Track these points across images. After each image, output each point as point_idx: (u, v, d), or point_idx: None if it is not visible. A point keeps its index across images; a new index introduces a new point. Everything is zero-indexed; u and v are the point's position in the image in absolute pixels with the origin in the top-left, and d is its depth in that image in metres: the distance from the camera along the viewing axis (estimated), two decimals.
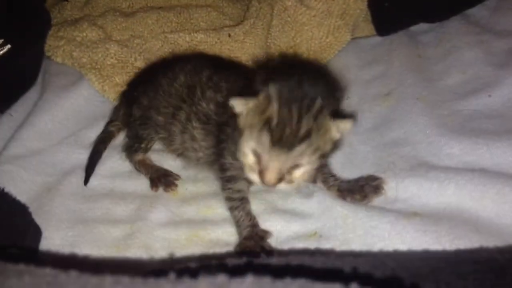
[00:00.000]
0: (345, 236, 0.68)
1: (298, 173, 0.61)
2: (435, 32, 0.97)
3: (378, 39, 1.01)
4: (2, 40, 0.90)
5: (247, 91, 0.62)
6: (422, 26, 1.00)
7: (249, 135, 0.60)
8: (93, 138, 0.87)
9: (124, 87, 0.90)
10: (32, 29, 0.95)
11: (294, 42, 0.96)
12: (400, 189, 0.71)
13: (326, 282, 0.30)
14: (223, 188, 0.74)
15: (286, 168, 0.60)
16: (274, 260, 0.45)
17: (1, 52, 0.90)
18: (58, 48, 0.97)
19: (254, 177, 0.62)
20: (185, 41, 0.99)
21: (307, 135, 0.58)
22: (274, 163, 0.60)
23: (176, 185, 0.79)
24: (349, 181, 0.74)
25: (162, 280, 0.31)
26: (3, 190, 0.72)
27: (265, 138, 0.59)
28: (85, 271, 0.34)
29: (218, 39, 1.00)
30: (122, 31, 1.01)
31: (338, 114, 0.61)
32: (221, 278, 0.30)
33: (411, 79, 0.88)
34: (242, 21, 1.07)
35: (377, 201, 0.72)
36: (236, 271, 0.31)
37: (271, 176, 0.60)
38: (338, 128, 0.61)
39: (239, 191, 0.73)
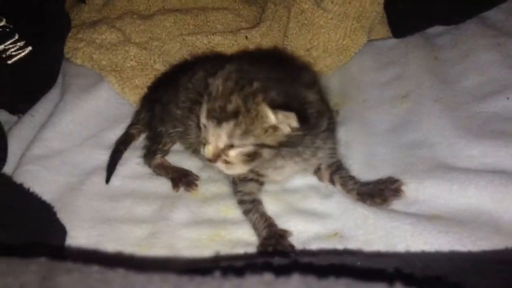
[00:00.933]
0: (366, 237, 0.68)
1: (232, 154, 0.63)
2: (451, 34, 0.98)
3: (394, 41, 1.02)
4: (24, 42, 0.92)
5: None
6: (438, 28, 1.00)
7: (201, 110, 0.64)
8: (113, 140, 0.88)
9: (144, 89, 0.91)
10: (52, 31, 0.96)
11: (311, 44, 0.97)
12: (420, 190, 0.72)
13: (370, 282, 0.30)
14: (234, 192, 0.76)
15: (222, 145, 0.63)
16: (311, 260, 0.46)
17: (23, 54, 0.92)
18: (78, 50, 0.98)
19: (202, 150, 0.66)
20: (202, 43, 1.00)
21: (234, 114, 0.61)
22: (210, 137, 0.63)
23: (196, 185, 0.80)
24: (368, 184, 0.74)
25: (208, 278, 0.31)
26: (28, 189, 0.74)
27: (204, 110, 0.63)
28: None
29: (235, 41, 1.01)
30: (140, 33, 1.02)
31: (283, 106, 0.60)
32: (268, 277, 0.31)
33: (428, 81, 0.89)
34: (258, 23, 1.08)
35: (397, 202, 0.73)
36: (281, 270, 0.31)
37: (209, 149, 0.63)
38: (279, 119, 0.61)
39: (249, 193, 0.74)
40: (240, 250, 0.71)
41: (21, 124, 0.90)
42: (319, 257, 0.47)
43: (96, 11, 1.11)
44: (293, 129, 0.62)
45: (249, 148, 0.63)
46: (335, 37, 0.97)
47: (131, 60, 0.95)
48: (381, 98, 0.91)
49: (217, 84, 0.63)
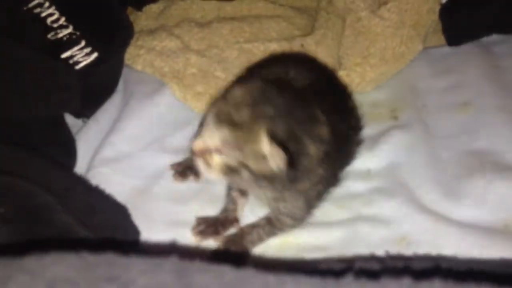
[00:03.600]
0: (436, 241, 0.69)
1: (216, 159, 0.62)
2: (509, 42, 0.98)
3: (449, 49, 1.03)
4: (90, 48, 0.95)
5: None
6: (495, 37, 1.01)
7: (213, 104, 0.66)
8: (175, 144, 0.90)
9: (206, 96, 0.93)
10: (116, 38, 0.99)
11: (368, 52, 0.98)
12: (490, 191, 0.72)
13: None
14: None
15: (211, 146, 0.62)
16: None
17: (89, 60, 0.95)
18: (139, 57, 1.01)
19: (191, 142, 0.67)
20: (259, 51, 1.02)
21: (235, 125, 0.60)
22: (206, 132, 0.63)
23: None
24: None
25: (343, 282, 0.33)
26: (104, 191, 0.76)
27: (214, 106, 0.64)
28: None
29: (291, 49, 1.02)
30: (199, 41, 1.04)
31: (281, 143, 0.60)
32: (407, 281, 0.32)
33: (489, 89, 0.89)
34: (310, 31, 1.09)
35: (465, 202, 0.73)
36: (420, 274, 0.33)
37: (199, 142, 0.63)
38: (271, 152, 0.60)
39: None
40: (308, 254, 0.73)
41: (88, 128, 0.92)
42: (413, 262, 0.48)
43: (153, 19, 1.14)
44: (279, 169, 0.62)
45: (233, 162, 0.63)
46: (392, 45, 0.98)
47: (192, 67, 0.97)
48: (440, 104, 0.91)
49: (237, 91, 0.64)
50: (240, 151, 0.62)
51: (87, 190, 0.76)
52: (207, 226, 0.75)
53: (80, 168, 0.85)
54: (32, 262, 0.32)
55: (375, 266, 0.47)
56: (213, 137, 0.62)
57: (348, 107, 0.82)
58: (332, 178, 0.75)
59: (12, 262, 0.32)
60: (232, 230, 0.75)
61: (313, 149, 0.65)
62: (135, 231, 0.74)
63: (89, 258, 0.33)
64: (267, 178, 0.64)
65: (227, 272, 0.34)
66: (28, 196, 0.64)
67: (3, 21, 0.86)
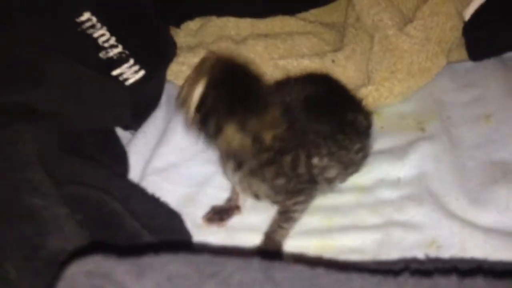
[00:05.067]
0: (463, 245, 0.76)
1: None
2: None
3: (471, 64, 1.09)
4: (138, 66, 1.03)
5: None
6: None
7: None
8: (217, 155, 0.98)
9: None
10: (161, 57, 1.07)
11: (395, 67, 1.04)
12: (511, 199, 0.79)
13: None
14: None
15: None
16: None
17: (137, 77, 1.03)
18: (181, 73, 1.09)
19: None
20: (293, 66, 1.09)
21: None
22: None
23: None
24: None
25: (401, 278, 0.40)
26: (159, 199, 0.84)
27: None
28: None
29: (323, 64, 1.10)
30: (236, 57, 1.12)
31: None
32: (454, 278, 0.39)
33: (509, 102, 0.96)
34: (340, 46, 1.17)
35: (490, 208, 0.80)
36: (464, 273, 0.39)
37: None
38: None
39: None
40: (346, 256, 0.80)
41: (136, 140, 1.00)
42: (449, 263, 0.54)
43: (191, 36, 1.22)
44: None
45: None
46: (418, 60, 1.05)
47: None
48: (464, 116, 0.98)
49: None
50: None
51: (145, 197, 0.83)
52: (214, 213, 0.85)
53: (133, 177, 0.94)
54: (153, 260, 0.40)
55: (428, 266, 0.53)
56: None
57: (348, 120, 0.87)
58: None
59: (140, 261, 0.39)
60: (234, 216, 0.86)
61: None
62: (188, 235, 0.82)
63: (192, 257, 0.41)
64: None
65: (303, 270, 0.41)
66: (100, 204, 0.72)
67: (63, 42, 0.94)
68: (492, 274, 0.40)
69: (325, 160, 0.81)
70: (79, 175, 0.78)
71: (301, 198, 0.81)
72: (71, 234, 0.62)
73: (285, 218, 0.82)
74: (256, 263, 0.42)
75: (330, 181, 0.84)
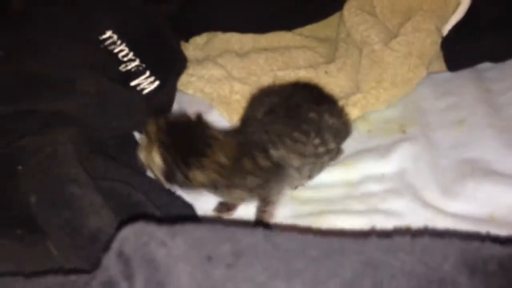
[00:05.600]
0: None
1: None
2: (498, 69, 1.18)
3: (449, 74, 1.22)
4: (153, 77, 1.17)
5: None
6: (488, 64, 1.20)
7: None
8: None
9: None
10: (174, 69, 1.21)
11: (381, 77, 1.17)
12: (478, 191, 0.92)
13: None
14: None
15: None
16: None
17: (152, 87, 1.16)
18: (190, 83, 1.22)
19: None
20: (290, 77, 1.23)
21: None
22: None
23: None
24: None
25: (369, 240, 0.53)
26: (175, 192, 0.97)
27: None
28: None
29: (317, 75, 1.23)
30: (240, 69, 1.25)
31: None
32: (407, 237, 0.52)
33: (481, 109, 1.09)
34: (333, 59, 1.30)
35: (459, 199, 0.93)
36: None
37: None
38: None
39: None
40: None
41: None
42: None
43: (199, 50, 1.36)
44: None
45: None
46: (401, 72, 1.17)
47: (236, 93, 1.18)
48: (441, 121, 1.11)
49: None
50: None
51: (162, 191, 0.96)
52: (222, 206, 0.99)
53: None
54: (183, 227, 0.53)
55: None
56: None
57: (309, 119, 0.97)
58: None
59: (173, 227, 0.53)
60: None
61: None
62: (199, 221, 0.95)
63: (211, 226, 0.54)
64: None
65: (296, 235, 0.54)
66: (127, 196, 0.85)
67: (89, 57, 1.08)
68: (437, 235, 0.53)
69: (282, 151, 0.92)
70: (105, 172, 0.91)
71: (271, 184, 0.93)
72: (106, 217, 0.75)
73: (265, 203, 0.95)
74: (259, 230, 0.55)
75: (298, 169, 0.95)
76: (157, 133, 0.85)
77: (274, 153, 0.92)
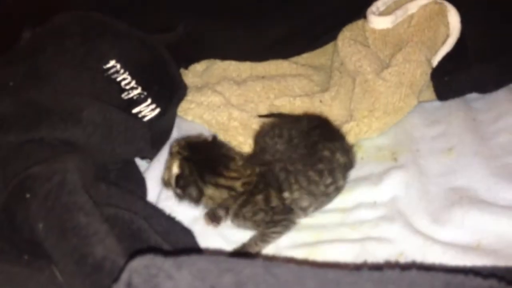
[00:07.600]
0: (425, 255, 0.92)
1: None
2: (486, 99, 1.23)
3: (439, 103, 1.27)
4: (155, 105, 1.21)
5: None
6: (475, 95, 1.25)
7: None
8: None
9: (246, 145, 1.18)
10: (174, 96, 1.25)
11: (374, 106, 1.22)
12: (465, 218, 0.96)
13: None
14: None
15: None
16: None
17: (153, 114, 1.20)
18: (190, 110, 1.27)
19: None
20: (286, 108, 1.27)
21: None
22: None
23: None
24: None
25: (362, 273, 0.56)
26: (174, 218, 1.01)
27: None
28: None
29: (312, 104, 1.28)
30: (237, 96, 1.30)
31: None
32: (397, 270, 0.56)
33: (469, 137, 1.13)
34: (327, 87, 1.35)
35: (447, 226, 0.96)
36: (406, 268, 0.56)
37: None
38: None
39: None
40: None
41: (152, 168, 1.16)
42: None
43: (198, 77, 1.40)
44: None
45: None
46: (392, 101, 1.22)
47: (234, 120, 1.22)
48: (431, 149, 1.16)
49: None
50: None
51: (162, 217, 1.00)
52: (210, 218, 1.02)
53: (150, 199, 1.10)
54: (187, 258, 0.56)
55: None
56: None
57: (324, 157, 1.03)
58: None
59: (179, 259, 0.56)
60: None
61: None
62: (200, 249, 0.98)
63: (213, 257, 0.58)
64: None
65: (293, 266, 0.58)
66: (130, 222, 0.88)
67: (94, 86, 1.12)
68: (424, 269, 0.57)
69: (296, 194, 0.98)
70: (108, 198, 0.95)
71: (277, 229, 0.98)
72: (111, 245, 0.79)
73: (262, 239, 0.98)
74: (259, 261, 0.59)
75: (304, 210, 1.01)
76: (179, 149, 0.93)
77: (288, 196, 0.97)
